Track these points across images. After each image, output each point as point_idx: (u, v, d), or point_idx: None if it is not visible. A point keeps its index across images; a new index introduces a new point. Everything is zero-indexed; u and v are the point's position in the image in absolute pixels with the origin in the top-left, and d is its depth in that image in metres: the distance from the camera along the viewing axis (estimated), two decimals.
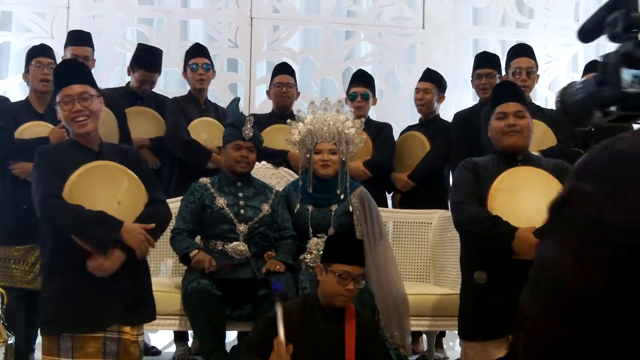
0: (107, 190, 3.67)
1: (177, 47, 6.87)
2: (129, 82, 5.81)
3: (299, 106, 5.68)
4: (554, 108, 6.05)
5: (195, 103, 5.75)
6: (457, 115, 5.71)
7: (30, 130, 4.87)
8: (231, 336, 5.18)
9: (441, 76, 5.99)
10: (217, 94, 6.87)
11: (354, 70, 7.38)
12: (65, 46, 5.63)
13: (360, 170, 5.51)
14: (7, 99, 5.33)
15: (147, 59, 5.73)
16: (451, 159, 5.51)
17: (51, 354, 3.62)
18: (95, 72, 6.38)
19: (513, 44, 7.36)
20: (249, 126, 4.72)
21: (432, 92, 5.86)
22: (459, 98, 6.90)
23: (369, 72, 6.79)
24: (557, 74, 7.39)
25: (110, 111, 4.93)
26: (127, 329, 3.72)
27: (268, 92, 6.09)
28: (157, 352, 5.62)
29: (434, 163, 5.70)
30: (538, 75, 5.56)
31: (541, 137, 4.95)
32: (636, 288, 0.72)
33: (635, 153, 0.79)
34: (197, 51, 5.84)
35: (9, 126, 4.85)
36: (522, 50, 5.53)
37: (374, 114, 7.05)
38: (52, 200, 3.58)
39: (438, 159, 5.70)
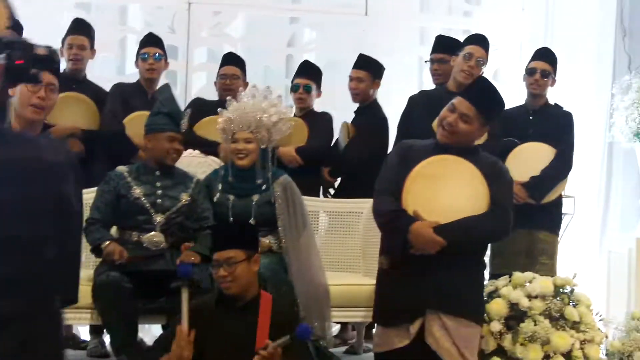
0: None
1: (115, 32, 6.74)
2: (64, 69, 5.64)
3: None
4: None
5: (142, 94, 5.60)
6: (413, 97, 5.63)
7: None
8: (154, 329, 5.08)
9: (376, 61, 5.85)
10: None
11: (296, 58, 7.32)
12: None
13: (291, 155, 5.41)
14: None
15: (75, 24, 5.64)
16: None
17: None
18: None
19: (460, 32, 7.39)
20: (186, 119, 4.63)
21: (365, 80, 5.74)
22: (402, 87, 6.79)
23: (312, 60, 6.69)
24: (501, 64, 7.31)
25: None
26: None
27: (215, 83, 5.89)
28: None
29: (324, 139, 5.65)
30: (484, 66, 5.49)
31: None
32: None
33: None
34: (150, 41, 5.70)
35: None
36: (480, 39, 5.49)
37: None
38: None
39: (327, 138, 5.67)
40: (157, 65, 5.63)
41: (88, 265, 4.78)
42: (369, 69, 5.78)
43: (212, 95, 6.02)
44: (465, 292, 3.90)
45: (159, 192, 4.57)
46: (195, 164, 5.25)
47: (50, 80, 3.76)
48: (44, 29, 5.74)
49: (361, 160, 5.47)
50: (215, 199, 4.68)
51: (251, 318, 3.76)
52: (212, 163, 5.25)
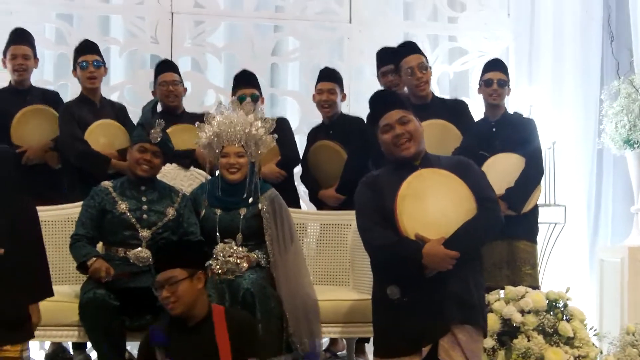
0: None
1: (98, 43, 6.64)
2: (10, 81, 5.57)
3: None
4: (455, 98, 5.99)
5: (89, 104, 5.45)
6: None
7: None
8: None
9: (339, 73, 5.83)
10: (138, 90, 6.68)
11: (280, 66, 7.26)
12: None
13: (276, 172, 5.36)
14: None
15: (16, 34, 5.55)
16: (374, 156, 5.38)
17: None
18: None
19: (445, 38, 7.35)
20: (158, 129, 4.53)
21: (336, 91, 5.68)
22: None
23: (296, 69, 6.64)
24: None
25: None
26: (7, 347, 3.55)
27: (153, 92, 5.78)
28: None
29: (357, 168, 5.50)
30: (430, 70, 5.48)
31: (440, 134, 4.86)
32: None
33: None
34: (86, 48, 5.53)
35: None
36: (409, 49, 5.47)
37: (303, 110, 6.92)
38: None
39: (359, 161, 5.52)
40: (97, 72, 5.47)
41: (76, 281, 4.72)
42: (337, 81, 5.73)
43: (198, 103, 5.92)
44: (477, 300, 3.83)
45: (145, 207, 4.51)
46: (182, 177, 5.18)
47: None
48: None
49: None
50: (202, 213, 4.61)
51: (208, 335, 3.69)
52: (198, 176, 5.18)
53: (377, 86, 6.16)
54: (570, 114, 7.01)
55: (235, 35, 7.25)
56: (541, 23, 7.45)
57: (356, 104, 6.64)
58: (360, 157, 5.36)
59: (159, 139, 4.52)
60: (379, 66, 5.77)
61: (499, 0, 7.41)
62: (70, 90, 6.66)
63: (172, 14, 6.86)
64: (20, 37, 5.54)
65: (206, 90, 6.97)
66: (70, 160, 5.30)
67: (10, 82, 5.55)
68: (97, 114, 5.42)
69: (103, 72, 5.54)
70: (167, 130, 4.71)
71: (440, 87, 7.16)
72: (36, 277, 3.64)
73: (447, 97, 6.30)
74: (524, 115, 5.58)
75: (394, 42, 6.91)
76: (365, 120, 5.56)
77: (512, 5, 7.42)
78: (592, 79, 7.18)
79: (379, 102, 4.04)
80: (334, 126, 5.67)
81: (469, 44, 7.35)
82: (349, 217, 5.13)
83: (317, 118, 6.04)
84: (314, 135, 5.81)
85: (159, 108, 5.41)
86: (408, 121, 3.89)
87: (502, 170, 5.16)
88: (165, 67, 5.75)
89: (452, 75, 7.37)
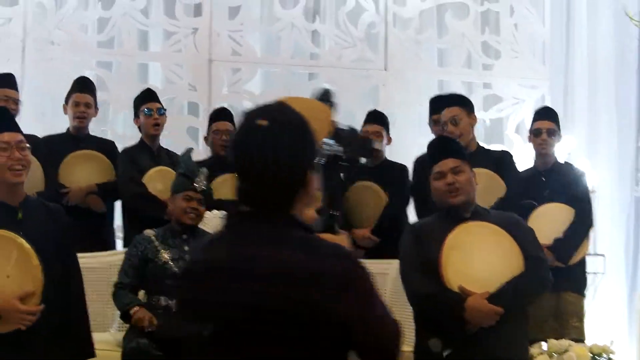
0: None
1: (136, 90, 6.73)
2: (68, 127, 5.64)
3: None
4: (501, 149, 5.96)
5: (148, 151, 5.57)
6: (419, 160, 5.51)
7: None
8: None
9: (387, 117, 5.86)
10: (176, 138, 6.74)
11: None
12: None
13: (315, 219, 5.36)
14: None
15: (80, 82, 5.64)
16: (415, 203, 5.40)
17: None
18: (52, 117, 6.33)
19: (479, 85, 7.38)
20: (202, 178, 4.58)
21: (383, 134, 5.72)
22: (421, 142, 6.75)
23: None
24: (523, 117, 7.27)
25: (35, 159, 4.74)
26: None
27: (205, 139, 5.88)
28: None
29: (396, 215, 5.52)
30: (475, 117, 5.43)
31: (487, 184, 4.83)
32: None
33: None
34: (149, 96, 5.67)
35: None
36: (445, 101, 5.44)
37: None
38: None
39: (399, 209, 5.53)
40: (161, 120, 5.60)
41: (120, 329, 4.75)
42: (384, 124, 5.77)
43: None
44: (520, 358, 3.80)
45: (187, 256, 4.51)
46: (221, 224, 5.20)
47: (17, 138, 3.60)
48: (66, 87, 5.73)
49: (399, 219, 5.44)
50: None
51: None
52: None
53: (412, 132, 6.21)
54: (607, 162, 6.99)
55: (271, 82, 7.33)
56: (576, 70, 7.48)
57: (391, 149, 6.67)
58: (401, 204, 5.39)
59: (203, 187, 4.58)
60: (430, 113, 5.77)
61: (534, 48, 7.45)
62: (109, 136, 6.75)
63: (210, 61, 6.95)
64: (84, 86, 5.63)
65: None
66: (126, 202, 5.41)
67: (68, 128, 5.61)
68: (154, 160, 5.51)
69: (165, 119, 5.64)
70: (218, 180, 4.75)
71: (475, 134, 7.15)
72: (79, 335, 3.67)
73: (482, 143, 6.31)
74: (574, 166, 5.56)
75: (429, 90, 7.00)
76: (408, 167, 5.64)
77: (546, 53, 7.45)
78: (628, 127, 7.16)
79: (435, 149, 4.04)
80: (378, 169, 5.70)
81: (504, 91, 7.38)
82: (386, 266, 5.15)
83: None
84: (354, 175, 5.81)
85: (201, 155, 5.50)
86: (460, 171, 3.87)
87: (551, 220, 5.11)
88: (222, 115, 5.83)
89: (487, 122, 7.38)
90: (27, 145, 3.62)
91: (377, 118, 5.81)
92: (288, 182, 2.04)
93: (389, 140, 5.81)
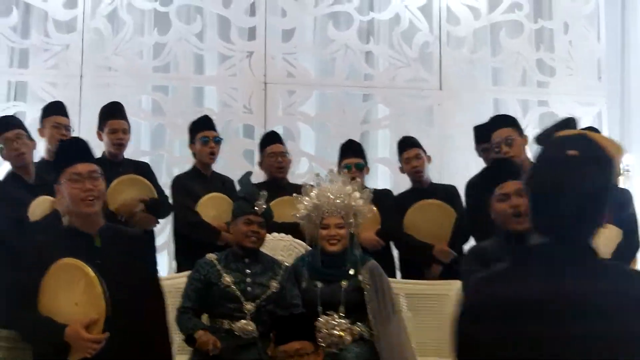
0: (68, 290, 3.50)
1: (192, 114, 6.81)
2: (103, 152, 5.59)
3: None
4: None
5: (201, 177, 5.64)
6: (470, 184, 5.49)
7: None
8: None
9: (415, 138, 5.88)
10: (232, 161, 6.79)
11: (371, 134, 7.33)
12: (44, 117, 5.45)
13: (374, 239, 5.39)
14: None
15: (114, 108, 5.64)
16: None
17: None
18: None
19: (535, 103, 7.33)
20: (262, 201, 4.60)
21: (422, 156, 5.72)
22: (477, 161, 6.72)
23: (387, 136, 6.67)
24: None
25: None
26: None
27: (260, 163, 5.93)
28: None
29: (468, 231, 5.49)
30: (526, 138, 5.29)
31: None
32: None
33: None
34: (207, 123, 5.72)
35: None
36: (496, 123, 5.33)
37: (394, 178, 6.92)
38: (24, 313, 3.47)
39: (469, 225, 5.51)
40: (217, 148, 5.66)
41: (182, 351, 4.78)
42: (419, 146, 5.78)
43: (291, 172, 5.98)
44: None
45: (249, 279, 4.54)
46: (281, 247, 5.23)
47: (89, 168, 3.65)
48: (126, 110, 5.76)
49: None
50: (302, 286, 4.63)
51: None
52: (297, 246, 5.22)
53: (468, 152, 6.17)
54: None
55: (326, 103, 7.37)
56: (632, 86, 7.41)
57: (447, 170, 6.66)
58: (468, 219, 5.38)
59: (263, 209, 4.60)
60: (477, 143, 5.75)
61: (589, 64, 7.41)
62: (165, 160, 6.83)
63: (265, 84, 7.01)
64: (119, 112, 5.65)
65: (299, 159, 7.05)
66: (182, 229, 5.47)
67: (104, 153, 5.54)
68: (207, 186, 5.56)
69: (220, 147, 5.70)
70: (272, 203, 4.78)
71: (532, 153, 7.10)
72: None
73: None
74: (620, 185, 5.49)
75: (484, 108, 6.97)
76: (456, 186, 5.62)
77: (602, 69, 7.39)
78: None
79: (497, 170, 4.02)
80: (428, 191, 5.69)
81: (560, 108, 7.32)
82: (447, 287, 5.13)
83: (408, 184, 6.04)
84: (404, 200, 5.80)
85: (256, 178, 5.52)
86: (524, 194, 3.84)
87: (598, 242, 5.05)
88: (274, 138, 5.88)
89: None
90: (100, 174, 3.66)
91: (410, 143, 5.83)
92: (593, 214, 2.09)
93: (429, 158, 5.82)
